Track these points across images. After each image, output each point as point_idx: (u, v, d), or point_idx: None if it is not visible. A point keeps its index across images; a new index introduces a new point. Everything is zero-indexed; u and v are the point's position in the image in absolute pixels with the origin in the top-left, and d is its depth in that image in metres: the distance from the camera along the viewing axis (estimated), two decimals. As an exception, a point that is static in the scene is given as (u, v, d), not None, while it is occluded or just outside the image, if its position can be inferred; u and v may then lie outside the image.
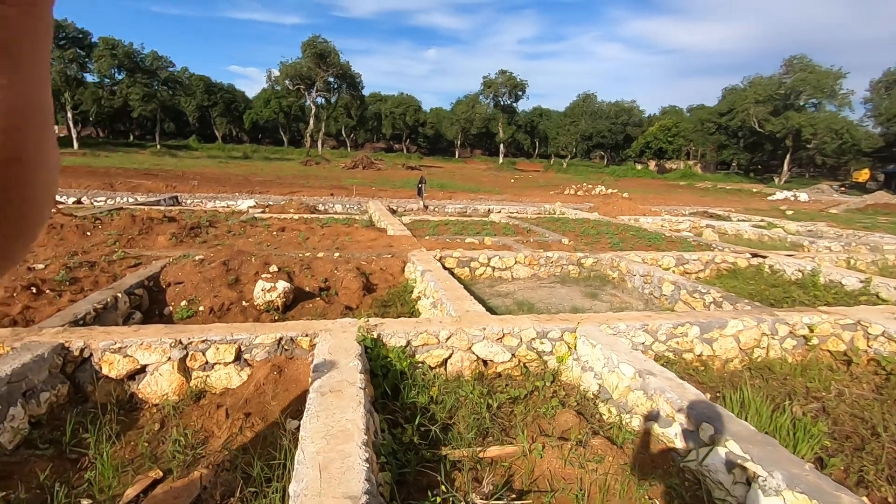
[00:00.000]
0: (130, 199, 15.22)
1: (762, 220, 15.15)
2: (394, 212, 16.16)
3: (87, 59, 51.52)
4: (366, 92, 75.18)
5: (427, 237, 9.37)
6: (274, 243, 7.50)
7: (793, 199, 37.30)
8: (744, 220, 15.64)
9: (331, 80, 64.74)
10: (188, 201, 16.38)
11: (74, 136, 51.58)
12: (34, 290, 4.59)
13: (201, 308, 5.12)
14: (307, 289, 5.81)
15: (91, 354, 3.50)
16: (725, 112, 60.51)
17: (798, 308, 5.33)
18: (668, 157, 71.31)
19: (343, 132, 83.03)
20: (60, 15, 48.61)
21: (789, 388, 4.10)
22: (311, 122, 64.34)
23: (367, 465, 2.15)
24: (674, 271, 8.28)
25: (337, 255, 7.11)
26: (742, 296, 6.41)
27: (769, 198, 38.23)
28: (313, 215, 12.51)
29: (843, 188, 48.01)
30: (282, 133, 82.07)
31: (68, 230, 6.91)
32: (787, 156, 53.52)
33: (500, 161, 72.86)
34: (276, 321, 5.19)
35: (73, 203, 14.26)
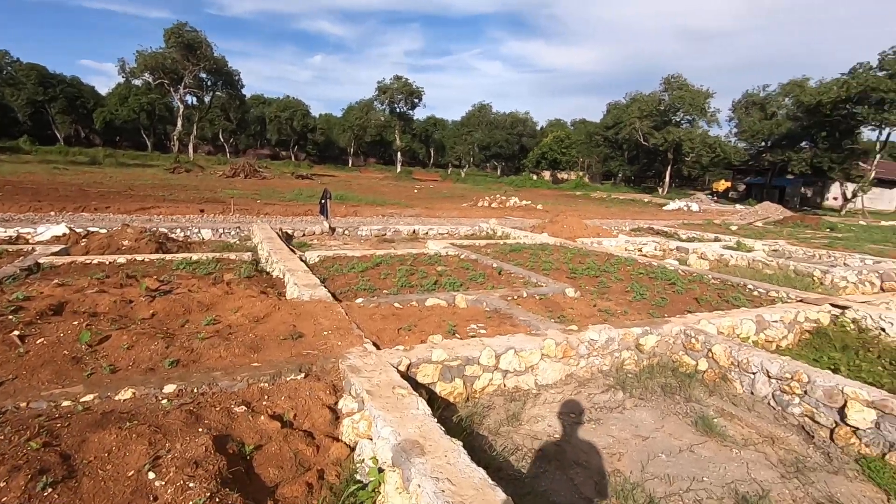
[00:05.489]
0: None
1: (730, 240, 13.41)
2: (289, 238, 11.80)
3: None
4: (247, 93, 67.18)
5: (360, 301, 5.44)
6: (6, 361, 3.13)
7: (686, 209, 38.90)
8: (711, 241, 13.80)
9: (203, 76, 56.23)
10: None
11: None
12: None
13: None
14: None
15: None
16: (611, 126, 63.49)
17: None
18: (561, 167, 73.40)
19: (221, 136, 73.62)
20: None
21: None
22: (180, 122, 55.16)
23: None
24: (755, 343, 5.36)
25: (166, 403, 2.96)
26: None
27: (664, 208, 39.46)
28: (155, 256, 7.84)
29: (715, 198, 52.12)
30: (144, 135, 70.34)
31: None
32: (669, 168, 57.20)
33: (398, 170, 69.39)
34: None
35: None
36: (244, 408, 2.95)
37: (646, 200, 47.25)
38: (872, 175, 40.86)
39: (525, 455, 3.21)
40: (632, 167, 67.04)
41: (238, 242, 11.16)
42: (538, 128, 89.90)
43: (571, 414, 3.80)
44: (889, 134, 40.09)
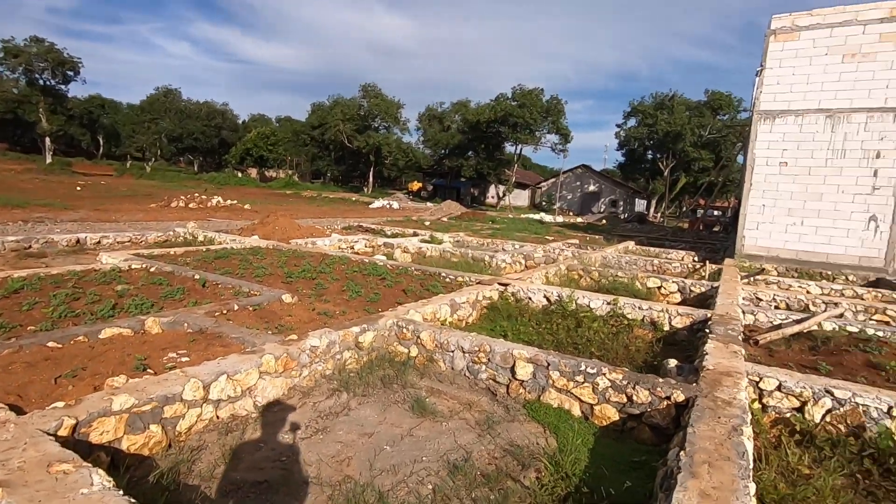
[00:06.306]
0: None
1: (426, 234, 15.43)
2: None
3: None
4: None
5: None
6: None
7: (388, 206, 43.11)
8: (411, 236, 15.54)
9: None
10: None
11: None
12: None
13: None
14: None
15: None
16: (317, 126, 64.52)
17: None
18: (269, 165, 70.38)
19: None
20: None
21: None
22: None
23: None
24: (451, 323, 6.30)
25: None
26: (573, 350, 5.04)
27: (371, 206, 42.78)
28: None
29: (411, 197, 59.63)
30: None
31: None
32: (371, 169, 62.14)
33: (49, 161, 53.43)
34: None
35: None
36: None
37: (354, 199, 50.02)
38: (514, 179, 54.27)
39: (248, 493, 2.86)
40: (339, 167, 69.77)
41: None
42: (240, 121, 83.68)
43: (297, 429, 3.61)
44: (521, 149, 53.80)
